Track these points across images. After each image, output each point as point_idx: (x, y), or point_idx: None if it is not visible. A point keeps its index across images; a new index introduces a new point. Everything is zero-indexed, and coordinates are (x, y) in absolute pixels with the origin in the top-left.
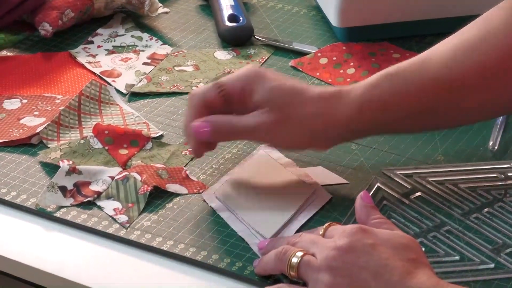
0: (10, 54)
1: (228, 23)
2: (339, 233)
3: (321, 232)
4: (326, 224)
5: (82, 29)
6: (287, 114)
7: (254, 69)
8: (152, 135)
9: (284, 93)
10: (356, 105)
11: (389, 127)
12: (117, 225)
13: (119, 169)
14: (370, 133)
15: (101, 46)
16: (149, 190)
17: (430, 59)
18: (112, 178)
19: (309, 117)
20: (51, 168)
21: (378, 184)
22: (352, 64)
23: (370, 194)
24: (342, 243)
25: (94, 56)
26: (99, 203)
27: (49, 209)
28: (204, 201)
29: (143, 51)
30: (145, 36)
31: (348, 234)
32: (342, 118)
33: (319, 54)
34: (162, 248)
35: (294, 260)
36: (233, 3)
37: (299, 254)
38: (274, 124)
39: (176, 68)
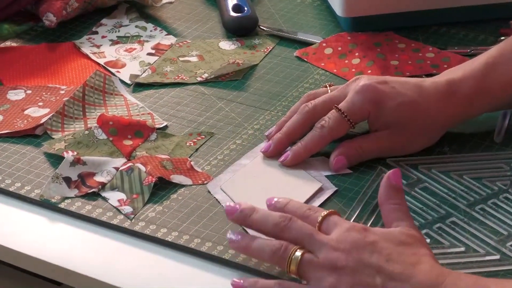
0: (14, 44)
1: (232, 13)
2: (339, 233)
3: (319, 219)
4: (324, 213)
5: (86, 19)
6: (413, 130)
7: (373, 88)
8: (157, 126)
9: (407, 112)
10: (467, 99)
11: (496, 109)
12: (122, 216)
13: (123, 160)
14: (479, 115)
15: (106, 36)
16: (153, 181)
17: None
18: (117, 169)
19: (431, 126)
20: (55, 159)
21: (383, 175)
22: (357, 54)
23: (375, 185)
24: (344, 245)
25: (98, 47)
26: (103, 194)
27: (53, 200)
28: (209, 192)
29: (147, 41)
30: (150, 26)
31: (349, 234)
32: (456, 114)
33: (324, 44)
34: (166, 239)
35: (295, 258)
36: None
37: (299, 252)
38: (403, 143)
39: (181, 59)
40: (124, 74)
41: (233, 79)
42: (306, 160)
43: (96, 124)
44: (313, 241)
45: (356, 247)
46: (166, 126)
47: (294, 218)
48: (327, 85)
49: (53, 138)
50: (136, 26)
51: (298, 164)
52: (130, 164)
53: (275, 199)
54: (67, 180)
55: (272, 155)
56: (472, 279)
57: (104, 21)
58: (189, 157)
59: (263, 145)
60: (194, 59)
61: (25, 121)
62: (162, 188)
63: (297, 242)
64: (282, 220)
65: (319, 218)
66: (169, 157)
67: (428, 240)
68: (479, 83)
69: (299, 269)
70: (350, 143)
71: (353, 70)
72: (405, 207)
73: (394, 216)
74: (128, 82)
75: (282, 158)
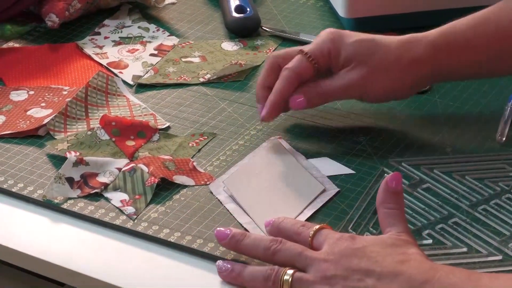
0: (16, 45)
1: (235, 14)
2: (328, 244)
3: (311, 234)
4: (316, 227)
5: (89, 20)
6: (373, 65)
7: (332, 30)
8: (159, 127)
9: (367, 46)
10: (431, 46)
11: (463, 71)
12: (124, 217)
13: (126, 160)
14: (447, 77)
15: (108, 37)
16: (156, 182)
17: (501, 11)
18: (119, 169)
19: (393, 63)
20: (58, 160)
21: (385, 175)
22: None
23: (377, 186)
24: (333, 256)
25: (101, 47)
26: (106, 194)
27: (56, 201)
28: (211, 192)
29: (150, 42)
30: (152, 27)
31: (337, 244)
32: (420, 59)
33: None
34: (169, 239)
35: (286, 277)
36: None
37: (290, 272)
38: (364, 78)
39: (183, 59)
40: (127, 75)
41: (235, 80)
42: (308, 161)
43: (98, 125)
44: (303, 259)
45: (345, 255)
46: (168, 127)
47: (284, 241)
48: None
49: (56, 139)
50: (139, 27)
51: (276, 114)
52: (132, 164)
53: (272, 220)
54: (70, 181)
55: (268, 117)
56: (465, 273)
57: (106, 22)
58: (192, 157)
59: (264, 144)
60: (196, 60)
61: (28, 121)
62: (164, 188)
63: (289, 263)
64: (272, 244)
65: (311, 233)
66: (171, 157)
67: (430, 241)
68: (444, 34)
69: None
70: (311, 84)
71: None
72: (400, 211)
73: (389, 221)
74: (131, 83)
75: (261, 115)
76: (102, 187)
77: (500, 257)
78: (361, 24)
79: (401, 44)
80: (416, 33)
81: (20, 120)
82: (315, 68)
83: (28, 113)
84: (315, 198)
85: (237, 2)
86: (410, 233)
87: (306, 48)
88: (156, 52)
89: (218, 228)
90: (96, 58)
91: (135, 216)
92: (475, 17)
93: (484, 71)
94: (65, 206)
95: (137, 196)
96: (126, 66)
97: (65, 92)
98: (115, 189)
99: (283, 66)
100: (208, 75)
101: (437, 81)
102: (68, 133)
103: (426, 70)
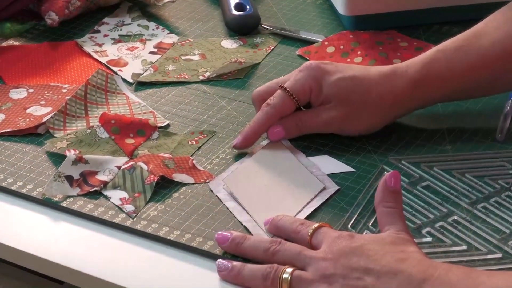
0: (16, 43)
1: (234, 12)
2: (327, 243)
3: (309, 232)
4: (315, 226)
5: (88, 18)
6: (354, 104)
7: (314, 65)
8: (159, 125)
9: (347, 85)
10: (414, 81)
11: (446, 98)
12: (124, 215)
13: (125, 158)
14: (428, 104)
15: (108, 35)
16: (155, 180)
17: (482, 34)
18: (119, 167)
19: (374, 101)
20: (57, 158)
21: (385, 173)
22: (359, 52)
23: (377, 184)
24: (331, 255)
25: (100, 45)
26: (105, 192)
27: (55, 199)
28: (211, 190)
29: (149, 40)
30: (152, 25)
31: (335, 243)
32: (402, 95)
33: (326, 43)
34: (168, 237)
35: (285, 276)
36: None
37: (289, 270)
38: (343, 117)
39: (183, 57)
40: (126, 73)
41: (235, 77)
42: (308, 159)
43: (98, 123)
44: (302, 258)
45: (344, 254)
46: (168, 125)
47: (283, 241)
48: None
49: (55, 137)
50: (138, 25)
51: (248, 145)
52: (132, 162)
53: (271, 218)
54: (69, 179)
55: (240, 146)
56: (464, 271)
57: (106, 20)
58: (191, 155)
59: (265, 142)
60: (196, 57)
61: (27, 119)
62: (164, 186)
63: (288, 263)
64: (272, 245)
65: (310, 232)
66: (171, 155)
67: (430, 239)
68: (426, 67)
69: (291, 286)
70: (290, 115)
71: None
72: (399, 210)
73: (387, 220)
74: (130, 80)
75: (234, 142)
76: (102, 185)
77: (499, 255)
78: (361, 21)
79: (382, 80)
80: (399, 64)
81: (20, 118)
82: (296, 104)
83: (28, 111)
84: (315, 196)
85: (237, 0)
86: (408, 232)
87: (287, 84)
88: (155, 50)
89: (219, 232)
90: (95, 56)
91: (134, 214)
92: (461, 39)
93: (470, 95)
94: (64, 204)
95: (136, 194)
96: (125, 64)
97: (64, 90)
98: (115, 187)
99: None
100: (208, 73)
101: (419, 109)
102: (68, 131)
103: (408, 104)
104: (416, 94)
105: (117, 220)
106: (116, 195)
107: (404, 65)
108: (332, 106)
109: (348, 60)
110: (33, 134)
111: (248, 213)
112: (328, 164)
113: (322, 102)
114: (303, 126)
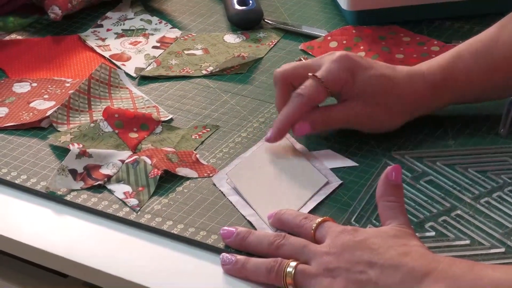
0: (19, 37)
1: (237, 7)
2: (331, 237)
3: (313, 226)
4: (318, 220)
5: (91, 12)
6: (378, 102)
7: (350, 57)
8: (162, 119)
9: (378, 83)
10: (433, 86)
11: (464, 100)
12: (128, 209)
13: (129, 152)
14: (447, 105)
15: (111, 29)
16: (159, 174)
17: (499, 38)
18: (122, 161)
19: (398, 101)
20: (61, 152)
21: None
22: (362, 47)
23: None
24: (335, 249)
25: (103, 40)
26: (109, 186)
27: (59, 193)
28: (214, 184)
29: (152, 34)
30: (155, 19)
31: (339, 237)
32: (422, 98)
33: (329, 38)
34: (172, 231)
35: (289, 269)
36: None
37: (293, 264)
38: (366, 114)
39: (186, 52)
40: (129, 67)
41: (238, 72)
42: (311, 153)
43: (101, 117)
44: (306, 252)
45: (347, 248)
46: (171, 119)
47: (288, 235)
48: (301, 58)
49: (59, 131)
50: (141, 20)
51: (281, 138)
52: (135, 156)
53: (275, 212)
54: (73, 173)
55: (274, 139)
56: (467, 264)
57: (109, 14)
58: (195, 150)
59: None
60: (199, 52)
61: (31, 113)
62: (167, 180)
63: (292, 257)
64: (276, 239)
65: (313, 226)
66: (174, 150)
67: (433, 233)
68: (445, 72)
69: (295, 281)
70: (318, 111)
71: None
72: (401, 204)
73: (388, 214)
74: (133, 75)
75: (267, 136)
76: (105, 179)
77: (502, 249)
78: (363, 16)
79: (407, 82)
80: (418, 67)
81: (23, 112)
82: (328, 95)
83: (31, 105)
84: (318, 191)
85: None
86: (410, 226)
87: (320, 74)
88: (158, 44)
89: (223, 228)
90: (98, 50)
91: (138, 208)
92: (478, 44)
93: (488, 97)
94: (68, 198)
95: (140, 188)
96: (128, 59)
97: (68, 84)
98: (118, 181)
99: (295, 84)
100: (211, 68)
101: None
102: (71, 125)
103: (428, 106)
104: (435, 97)
105: (121, 214)
106: (119, 189)
107: (425, 68)
108: (360, 103)
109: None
110: (37, 128)
111: (251, 207)
112: (331, 159)
113: (352, 96)
114: (330, 120)
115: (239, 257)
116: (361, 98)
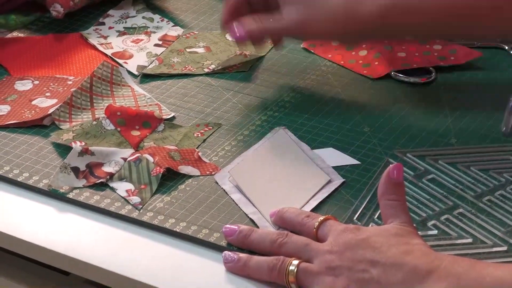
0: (21, 35)
1: None
2: (333, 235)
3: (315, 225)
4: (321, 218)
5: (93, 10)
6: (314, 6)
7: None
8: (164, 117)
9: None
10: (379, 6)
11: (409, 32)
12: (130, 207)
13: (131, 150)
14: (392, 36)
15: (113, 27)
16: (161, 172)
17: None
18: (125, 159)
19: (334, 6)
20: (63, 149)
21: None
22: (364, 46)
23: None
24: (337, 247)
25: (105, 38)
26: (111, 184)
27: (61, 190)
28: (216, 183)
29: (154, 32)
30: (157, 17)
31: (341, 236)
32: (363, 14)
33: None
34: (174, 229)
35: (292, 268)
36: None
37: (295, 262)
38: (304, 19)
39: (188, 50)
40: (132, 65)
41: (240, 70)
42: (313, 151)
43: (104, 115)
44: (308, 250)
45: (350, 246)
46: (173, 117)
47: (290, 234)
48: None
49: (61, 129)
50: (143, 17)
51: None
52: (138, 154)
53: (277, 210)
54: (75, 170)
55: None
56: (469, 263)
57: (111, 12)
58: (197, 148)
59: (269, 135)
60: (201, 50)
61: (33, 111)
62: (170, 178)
63: (295, 255)
64: (279, 237)
65: (316, 224)
66: (176, 148)
67: (435, 232)
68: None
69: (297, 279)
70: (253, 19)
71: (360, 62)
72: (402, 202)
73: (390, 212)
74: (135, 73)
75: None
76: (108, 177)
77: (505, 248)
78: None
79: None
80: None
81: (25, 110)
82: None
83: (33, 102)
84: (321, 189)
85: None
86: (412, 224)
87: None
88: (160, 42)
89: (226, 225)
90: (100, 48)
91: (140, 206)
92: None
93: (434, 34)
94: (70, 195)
95: (142, 186)
96: (130, 56)
97: (70, 82)
98: (121, 179)
99: None
100: (213, 66)
101: (383, 39)
102: (73, 123)
103: (371, 26)
104: (375, 19)
105: (123, 212)
106: (122, 187)
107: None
108: (292, 9)
109: (353, 53)
110: (39, 126)
111: (253, 205)
112: (334, 157)
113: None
114: (266, 32)
115: (241, 255)
116: (295, 4)
